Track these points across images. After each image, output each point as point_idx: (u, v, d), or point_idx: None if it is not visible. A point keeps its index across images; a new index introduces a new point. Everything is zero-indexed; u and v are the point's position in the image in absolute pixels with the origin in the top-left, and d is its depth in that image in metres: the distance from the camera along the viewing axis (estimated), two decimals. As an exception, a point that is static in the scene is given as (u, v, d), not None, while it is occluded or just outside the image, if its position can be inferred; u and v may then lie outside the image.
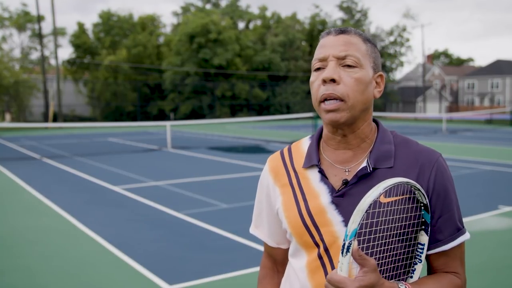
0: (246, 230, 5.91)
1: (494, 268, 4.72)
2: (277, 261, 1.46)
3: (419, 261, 1.19)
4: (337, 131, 1.23)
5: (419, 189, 1.14)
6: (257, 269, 4.64)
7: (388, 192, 1.17)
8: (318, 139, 1.33)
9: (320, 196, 1.24)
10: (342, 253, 1.03)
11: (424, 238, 1.18)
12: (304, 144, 1.37)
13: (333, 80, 1.18)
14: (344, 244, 1.03)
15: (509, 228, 6.10)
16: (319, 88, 1.20)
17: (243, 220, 6.49)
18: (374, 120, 1.31)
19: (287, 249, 1.43)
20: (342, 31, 1.23)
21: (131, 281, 4.45)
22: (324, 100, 1.19)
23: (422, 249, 1.19)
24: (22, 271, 4.69)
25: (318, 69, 1.23)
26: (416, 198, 1.17)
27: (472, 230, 5.85)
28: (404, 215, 1.16)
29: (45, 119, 31.99)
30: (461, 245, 1.24)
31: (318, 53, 1.23)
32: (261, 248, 5.29)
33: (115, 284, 4.41)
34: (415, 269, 1.19)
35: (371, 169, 1.20)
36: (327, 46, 1.22)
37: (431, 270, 1.27)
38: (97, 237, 5.81)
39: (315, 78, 1.22)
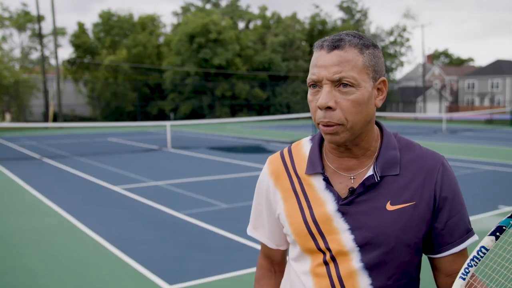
0: (246, 230, 5.91)
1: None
2: (274, 262, 1.45)
3: (475, 264, 1.13)
4: (340, 146, 1.21)
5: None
6: (257, 269, 4.64)
7: (395, 200, 1.17)
8: (319, 142, 1.30)
9: (326, 204, 1.22)
10: None
11: (491, 244, 1.12)
12: (305, 146, 1.33)
13: (328, 107, 1.13)
14: None
15: (509, 228, 6.10)
16: (316, 111, 1.15)
17: (243, 220, 6.49)
18: (377, 123, 1.28)
19: (285, 250, 1.42)
20: (335, 46, 1.13)
21: (131, 281, 4.46)
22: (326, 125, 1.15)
23: (484, 253, 1.13)
24: (23, 271, 4.69)
25: (313, 85, 1.16)
26: (425, 205, 1.16)
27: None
28: (412, 223, 1.16)
29: (45, 119, 31.99)
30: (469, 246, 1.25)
31: (312, 72, 1.16)
32: (261, 248, 5.29)
33: (115, 284, 4.41)
34: (469, 271, 1.14)
35: (378, 179, 1.19)
36: (320, 66, 1.14)
37: (438, 270, 1.25)
38: (97, 237, 5.81)
39: (312, 98, 1.17)
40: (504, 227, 1.11)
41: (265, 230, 1.41)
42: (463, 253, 1.24)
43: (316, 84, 1.15)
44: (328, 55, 1.14)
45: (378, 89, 1.20)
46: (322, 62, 1.14)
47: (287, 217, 1.27)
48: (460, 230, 1.22)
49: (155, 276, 4.52)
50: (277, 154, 1.38)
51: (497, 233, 1.11)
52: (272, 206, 1.34)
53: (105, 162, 12.94)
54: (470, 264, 1.12)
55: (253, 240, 5.53)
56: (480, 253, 1.11)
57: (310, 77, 1.16)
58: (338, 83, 1.13)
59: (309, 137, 1.36)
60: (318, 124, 1.16)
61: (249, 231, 1.47)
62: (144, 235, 5.96)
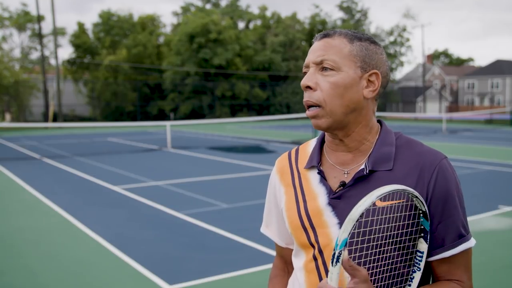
0: (246, 230, 5.92)
1: (494, 268, 4.73)
2: (287, 261, 1.46)
3: (418, 269, 1.15)
4: (332, 135, 1.24)
5: (417, 196, 1.09)
6: (257, 269, 4.66)
7: (384, 196, 1.14)
8: (321, 140, 1.33)
9: (318, 197, 1.23)
10: (332, 263, 1.00)
11: (423, 246, 1.14)
12: (310, 145, 1.37)
13: (309, 87, 1.19)
14: (334, 253, 0.99)
15: (509, 228, 6.10)
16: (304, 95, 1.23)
17: (243, 220, 6.50)
18: (379, 121, 1.28)
19: None
20: (325, 35, 1.22)
21: (131, 281, 4.46)
22: (308, 107, 1.21)
23: (421, 257, 1.15)
24: (22, 271, 4.69)
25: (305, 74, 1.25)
26: (414, 204, 1.13)
27: (472, 230, 5.83)
28: (401, 222, 1.13)
29: (45, 119, 31.99)
30: (466, 252, 1.20)
31: (305, 60, 1.25)
32: (261, 248, 5.30)
33: (115, 284, 4.41)
34: (413, 277, 1.16)
35: (367, 171, 1.18)
36: (310, 52, 1.23)
37: (434, 277, 1.23)
38: (97, 237, 5.81)
39: None
40: (423, 226, 1.15)
41: (274, 228, 1.43)
42: (456, 260, 1.19)
43: (306, 71, 1.24)
44: (318, 42, 1.23)
45: (370, 81, 1.21)
46: (312, 49, 1.23)
47: (286, 211, 1.30)
48: (452, 235, 1.17)
49: (155, 276, 4.52)
50: (286, 153, 1.43)
51: (423, 234, 1.15)
52: (278, 203, 1.37)
53: (105, 162, 12.94)
54: (413, 270, 1.15)
55: (253, 240, 5.54)
56: (417, 257, 1.15)
57: (304, 64, 1.26)
58: (320, 67, 1.19)
59: (317, 137, 1.38)
60: (306, 110, 1.23)
61: (262, 229, 1.49)
62: (144, 235, 5.96)
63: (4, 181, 10.14)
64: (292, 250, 1.42)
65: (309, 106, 1.20)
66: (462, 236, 1.18)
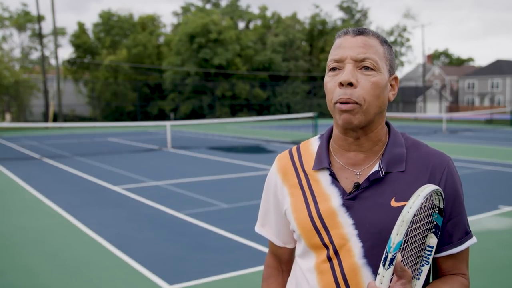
0: (246, 230, 5.92)
1: (494, 268, 4.72)
2: (282, 260, 1.46)
3: (426, 263, 1.18)
4: (350, 133, 1.22)
5: (441, 195, 1.14)
6: (257, 269, 4.65)
7: (400, 198, 1.17)
8: (327, 139, 1.32)
9: (331, 198, 1.23)
10: (384, 265, 1.01)
11: (433, 241, 1.18)
12: (313, 144, 1.35)
13: (350, 84, 1.16)
14: (387, 256, 1.00)
15: (509, 228, 6.10)
16: (335, 90, 1.18)
17: (243, 220, 6.50)
18: (386, 122, 1.30)
19: (293, 249, 1.43)
20: (360, 32, 1.20)
21: (131, 281, 4.46)
22: (342, 102, 1.18)
23: (430, 251, 1.18)
24: (23, 271, 4.69)
25: (333, 69, 1.20)
26: (430, 204, 1.16)
27: (472, 230, 5.83)
28: (418, 224, 1.15)
29: (45, 119, 31.99)
30: (468, 247, 1.26)
31: (335, 53, 1.20)
32: (261, 248, 5.29)
33: (115, 284, 4.41)
34: (421, 271, 1.19)
35: (383, 174, 1.20)
36: (344, 47, 1.19)
37: (438, 272, 1.27)
38: (97, 237, 5.81)
39: (330, 79, 1.20)
40: (435, 222, 1.18)
41: (272, 227, 1.42)
42: (461, 255, 1.25)
43: (338, 65, 1.19)
44: (354, 38, 1.20)
45: (391, 85, 1.25)
46: (347, 44, 1.20)
47: (293, 212, 1.29)
48: (460, 232, 1.23)
49: (155, 276, 4.52)
50: (286, 151, 1.41)
51: (435, 230, 1.18)
52: (279, 203, 1.36)
53: (105, 162, 12.94)
54: (422, 264, 1.18)
55: (253, 240, 5.54)
56: (427, 252, 1.18)
57: (333, 58, 1.20)
58: (361, 65, 1.17)
59: (318, 135, 1.38)
60: (335, 104, 1.18)
61: (257, 228, 1.48)
62: (144, 235, 5.96)
63: (4, 181, 10.14)
64: (288, 249, 1.42)
65: (345, 102, 1.17)
66: (468, 233, 1.25)
